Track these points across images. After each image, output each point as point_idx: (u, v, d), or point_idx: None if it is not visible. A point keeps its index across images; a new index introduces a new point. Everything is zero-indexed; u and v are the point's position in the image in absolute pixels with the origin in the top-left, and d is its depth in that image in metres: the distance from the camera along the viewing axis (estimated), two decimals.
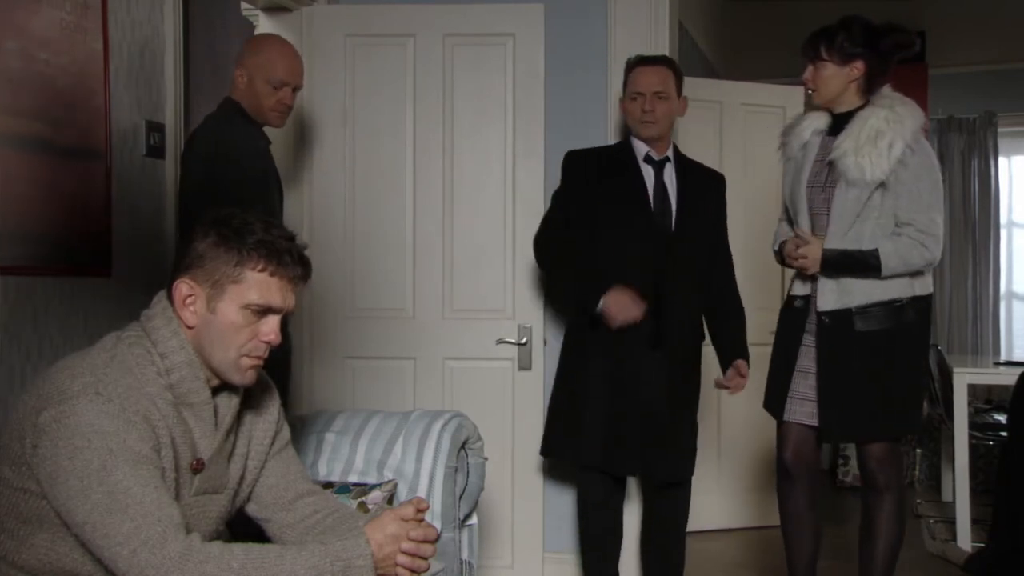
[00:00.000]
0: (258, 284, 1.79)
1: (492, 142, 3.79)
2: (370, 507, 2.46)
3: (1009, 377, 4.49)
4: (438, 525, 2.57)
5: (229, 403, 1.89)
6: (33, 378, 1.78)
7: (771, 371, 3.26)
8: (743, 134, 4.97)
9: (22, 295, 2.44)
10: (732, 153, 4.94)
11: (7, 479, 1.70)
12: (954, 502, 4.68)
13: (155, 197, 2.97)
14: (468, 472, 2.75)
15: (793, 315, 3.19)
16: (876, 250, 2.96)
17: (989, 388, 5.90)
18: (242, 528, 2.03)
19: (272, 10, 3.81)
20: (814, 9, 6.89)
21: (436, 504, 2.60)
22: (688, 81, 4.57)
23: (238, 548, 1.67)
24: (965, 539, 4.51)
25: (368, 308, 3.81)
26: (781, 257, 3.25)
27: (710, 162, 4.90)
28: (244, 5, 4.28)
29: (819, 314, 3.06)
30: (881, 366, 3.02)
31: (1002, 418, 5.03)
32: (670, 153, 3.41)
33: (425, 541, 1.80)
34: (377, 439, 2.71)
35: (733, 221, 3.60)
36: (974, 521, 4.55)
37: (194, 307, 1.80)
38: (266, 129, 3.04)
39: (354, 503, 2.46)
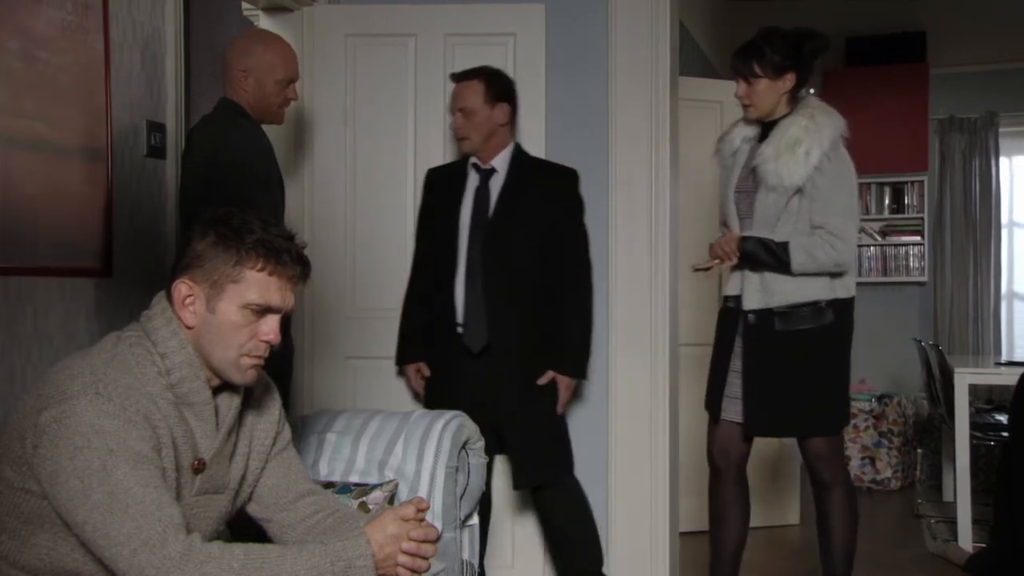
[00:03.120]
0: (257, 283, 1.79)
1: None
2: (371, 507, 2.46)
3: (1010, 377, 4.49)
4: (439, 525, 2.57)
5: (230, 403, 1.89)
6: (34, 378, 1.78)
7: (710, 371, 3.37)
8: None
9: (23, 295, 2.44)
10: None
11: (8, 479, 1.70)
12: (955, 502, 4.67)
13: (156, 197, 2.97)
14: (469, 472, 2.75)
15: (726, 315, 3.30)
16: (787, 243, 3.07)
17: (990, 388, 5.91)
18: (243, 528, 2.03)
19: (273, 10, 3.81)
20: (814, 9, 6.91)
21: (437, 504, 2.60)
22: (688, 81, 4.56)
23: (238, 548, 1.66)
24: (966, 539, 4.51)
25: (369, 308, 3.81)
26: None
27: (711, 162, 4.91)
28: (245, 5, 4.28)
29: (745, 312, 3.17)
30: (800, 365, 3.13)
31: (1003, 418, 5.03)
32: (498, 161, 3.45)
33: (426, 541, 1.80)
34: (378, 439, 2.71)
35: None
36: (975, 521, 4.55)
37: (193, 307, 1.80)
38: (265, 126, 3.04)
39: (355, 503, 2.46)
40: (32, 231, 2.46)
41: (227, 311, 1.79)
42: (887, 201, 7.10)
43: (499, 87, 3.44)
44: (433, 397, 3.47)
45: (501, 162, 3.45)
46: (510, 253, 3.36)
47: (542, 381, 3.39)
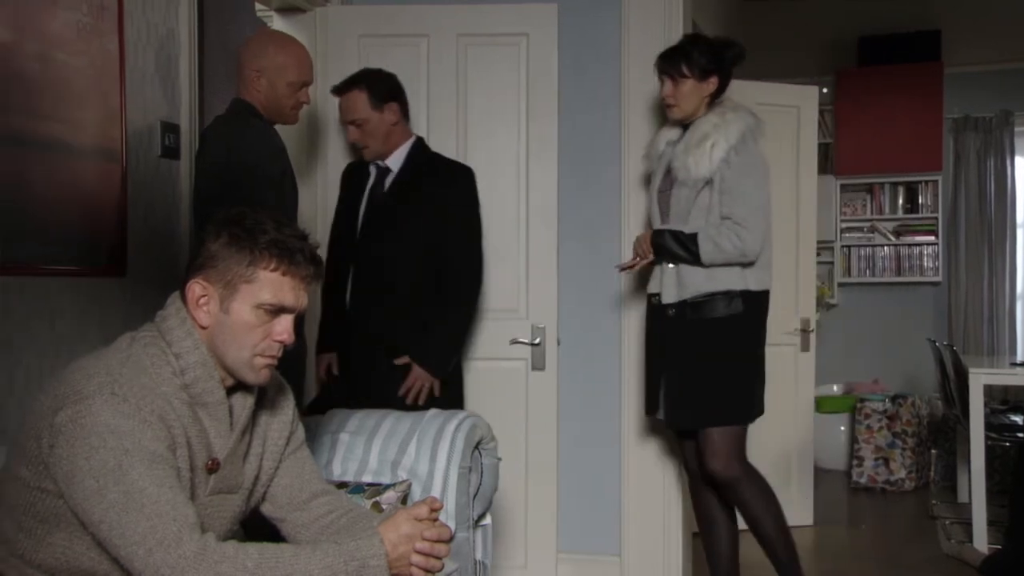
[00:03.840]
0: (270, 284, 1.80)
1: (506, 142, 3.79)
2: (384, 507, 2.46)
3: None
4: (452, 525, 2.57)
5: (244, 403, 1.90)
6: (49, 378, 1.79)
7: (645, 370, 3.43)
8: None
9: (38, 295, 2.46)
10: None
11: (24, 479, 1.71)
12: (970, 503, 4.65)
13: (170, 198, 2.98)
14: (482, 472, 2.75)
15: (651, 312, 3.36)
16: (695, 234, 3.15)
17: (1005, 389, 5.88)
18: (257, 528, 2.03)
19: (286, 11, 3.82)
20: (827, 8, 6.89)
21: (450, 504, 2.60)
22: None
23: (252, 548, 1.67)
24: (981, 540, 4.49)
25: None
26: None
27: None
28: (258, 6, 4.30)
29: (664, 306, 3.24)
30: (709, 354, 3.17)
31: (1018, 419, 5.01)
32: (393, 159, 3.42)
33: (439, 541, 1.80)
34: (391, 439, 2.71)
35: None
36: (990, 522, 4.52)
37: (207, 307, 1.81)
38: (278, 126, 3.05)
39: (368, 503, 2.47)
40: (47, 231, 2.47)
41: (241, 311, 1.80)
42: (901, 201, 7.07)
43: (382, 89, 3.38)
44: (334, 388, 3.45)
45: (395, 160, 3.43)
46: (389, 247, 3.35)
47: (398, 362, 3.30)
